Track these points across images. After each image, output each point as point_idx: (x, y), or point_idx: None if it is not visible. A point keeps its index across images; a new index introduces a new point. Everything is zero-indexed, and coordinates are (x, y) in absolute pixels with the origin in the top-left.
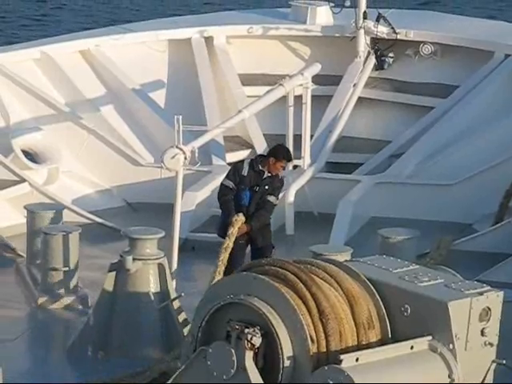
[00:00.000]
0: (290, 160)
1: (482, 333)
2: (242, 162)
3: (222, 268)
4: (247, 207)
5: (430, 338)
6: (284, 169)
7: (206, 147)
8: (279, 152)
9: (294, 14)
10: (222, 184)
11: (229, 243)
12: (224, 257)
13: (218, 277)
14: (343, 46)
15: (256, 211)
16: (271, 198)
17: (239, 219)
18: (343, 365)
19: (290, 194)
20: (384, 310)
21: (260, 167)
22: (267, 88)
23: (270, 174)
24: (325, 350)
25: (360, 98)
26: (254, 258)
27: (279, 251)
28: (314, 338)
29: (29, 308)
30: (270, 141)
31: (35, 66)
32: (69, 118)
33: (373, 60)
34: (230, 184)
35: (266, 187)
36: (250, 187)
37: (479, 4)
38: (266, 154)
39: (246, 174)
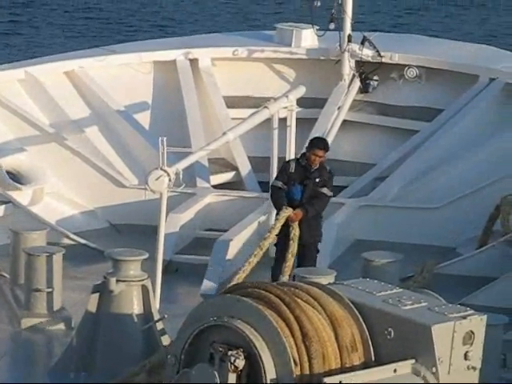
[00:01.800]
0: (321, 148)
1: (466, 356)
2: (288, 161)
3: (259, 254)
4: (300, 201)
5: (413, 361)
6: (320, 157)
7: (190, 169)
8: (310, 143)
9: (279, 37)
10: (271, 186)
11: (270, 234)
12: (263, 245)
13: (253, 262)
14: (328, 69)
15: (309, 200)
16: (324, 190)
17: (285, 213)
18: None
19: (274, 217)
20: (367, 333)
21: (305, 164)
22: (252, 110)
23: (316, 167)
24: (308, 372)
25: (344, 121)
26: (298, 255)
27: (262, 275)
28: (298, 360)
29: (12, 329)
30: (255, 163)
31: (20, 87)
32: (53, 138)
33: (357, 83)
34: (279, 183)
35: (317, 180)
36: (299, 182)
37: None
38: None
39: (293, 171)
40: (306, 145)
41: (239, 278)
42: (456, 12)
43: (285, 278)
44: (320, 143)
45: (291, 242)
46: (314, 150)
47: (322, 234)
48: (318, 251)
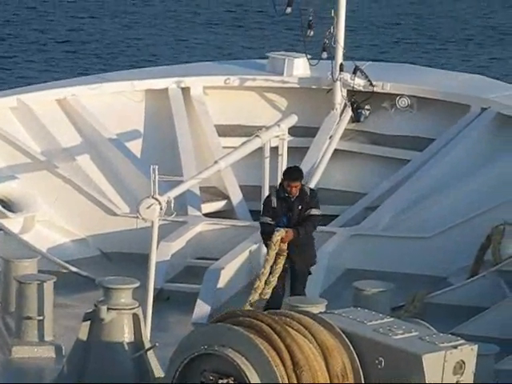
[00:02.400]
0: (296, 179)
1: None
2: (269, 195)
3: (263, 279)
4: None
5: None
6: (297, 187)
7: (181, 198)
8: (287, 174)
9: (271, 66)
10: (261, 222)
11: (267, 257)
12: (265, 269)
13: (260, 286)
14: (320, 98)
15: (300, 223)
16: (312, 211)
17: (279, 233)
18: None
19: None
20: (358, 362)
21: (285, 194)
22: (243, 139)
23: (296, 196)
24: None
25: (336, 150)
26: (291, 280)
27: None
28: None
29: (3, 357)
30: (246, 192)
31: (11, 114)
32: (45, 166)
33: (349, 112)
34: (268, 219)
35: (300, 207)
36: (284, 214)
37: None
38: None
39: (276, 206)
40: (281, 176)
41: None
42: (444, 46)
43: (258, 284)
44: (295, 175)
45: (279, 257)
46: (289, 181)
47: (315, 256)
48: (309, 273)
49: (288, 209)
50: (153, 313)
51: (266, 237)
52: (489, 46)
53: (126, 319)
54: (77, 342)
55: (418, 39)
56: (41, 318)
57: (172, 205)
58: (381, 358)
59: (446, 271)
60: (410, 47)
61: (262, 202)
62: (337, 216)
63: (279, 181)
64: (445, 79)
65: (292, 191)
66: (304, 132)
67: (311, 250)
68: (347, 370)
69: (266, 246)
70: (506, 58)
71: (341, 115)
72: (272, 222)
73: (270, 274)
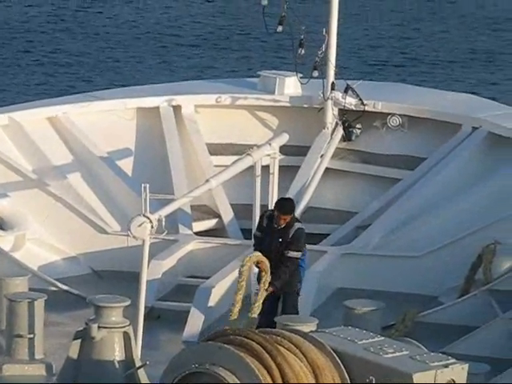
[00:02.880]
0: (285, 213)
1: None
2: (265, 212)
3: (236, 309)
4: (269, 254)
5: None
6: (286, 220)
7: (172, 216)
8: (278, 205)
9: (262, 84)
10: (254, 235)
11: (238, 286)
12: (238, 298)
13: (234, 316)
14: (311, 117)
15: (277, 268)
16: (289, 254)
17: (251, 258)
18: None
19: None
20: (349, 381)
21: (274, 221)
22: (235, 158)
23: (281, 227)
24: None
25: (327, 169)
26: (282, 306)
27: (244, 322)
28: None
29: None
30: (237, 210)
31: (3, 133)
32: (36, 184)
33: (340, 131)
34: (258, 234)
35: (280, 240)
36: (266, 237)
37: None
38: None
39: (265, 226)
40: (274, 204)
41: None
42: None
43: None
44: (285, 207)
45: (261, 288)
46: (280, 213)
47: (301, 280)
48: (298, 294)
49: (269, 235)
50: (143, 331)
51: (254, 250)
52: (476, 68)
53: (117, 337)
54: (67, 361)
55: (406, 61)
56: (31, 336)
57: (163, 223)
58: (371, 377)
59: (436, 290)
60: (399, 69)
61: (260, 216)
62: (328, 235)
63: (270, 199)
64: (436, 98)
65: (280, 222)
66: (295, 151)
67: (296, 274)
68: None
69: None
70: (493, 80)
71: (332, 134)
72: (260, 236)
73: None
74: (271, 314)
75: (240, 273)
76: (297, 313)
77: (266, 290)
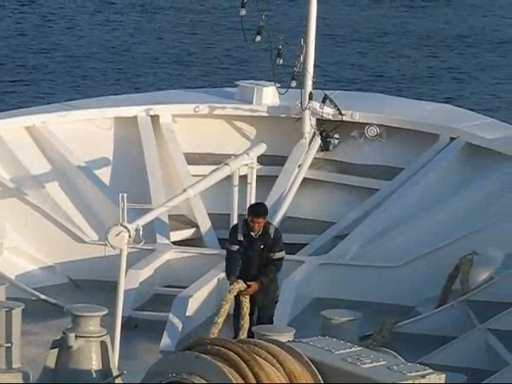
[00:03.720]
0: (259, 215)
1: None
2: (236, 225)
3: (215, 330)
4: (249, 269)
5: None
6: (260, 224)
7: (150, 225)
8: (250, 210)
9: (240, 94)
10: (227, 250)
11: (223, 309)
12: (219, 320)
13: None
14: (289, 127)
15: (263, 269)
16: (276, 255)
17: (236, 286)
18: None
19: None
20: None
21: (249, 231)
22: (212, 167)
23: (259, 234)
24: None
25: (305, 179)
26: (258, 316)
27: (224, 332)
28: None
29: None
30: (215, 220)
31: None
32: (13, 193)
33: (318, 141)
34: (234, 247)
35: (261, 246)
36: (246, 250)
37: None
38: None
39: (241, 239)
40: (247, 210)
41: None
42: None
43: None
44: (258, 210)
45: (242, 320)
46: (254, 218)
47: (278, 288)
48: (277, 301)
49: (249, 246)
50: (121, 340)
51: (228, 268)
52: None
53: (94, 347)
54: (44, 370)
55: (385, 71)
56: (9, 345)
57: (141, 232)
58: None
59: (414, 300)
60: (377, 79)
61: (229, 230)
62: (305, 245)
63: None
64: (414, 108)
65: (255, 227)
66: (273, 160)
67: (273, 286)
68: None
69: (227, 275)
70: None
71: (310, 144)
72: (239, 249)
73: (237, 316)
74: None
75: (225, 300)
76: (272, 323)
77: (249, 291)
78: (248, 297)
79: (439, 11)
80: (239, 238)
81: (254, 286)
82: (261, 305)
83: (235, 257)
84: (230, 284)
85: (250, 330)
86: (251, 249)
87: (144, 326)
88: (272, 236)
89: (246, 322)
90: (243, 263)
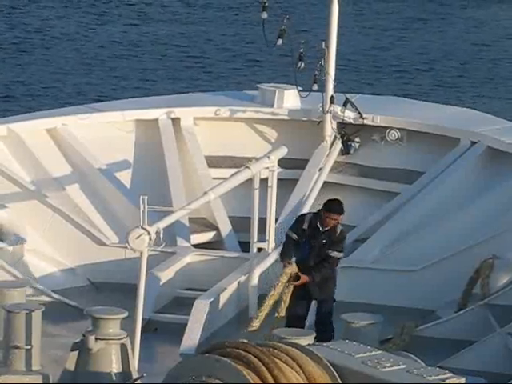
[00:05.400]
0: (338, 213)
1: None
2: (305, 214)
3: (261, 317)
4: (306, 260)
5: None
6: (335, 221)
7: (170, 228)
8: (328, 205)
9: (261, 97)
10: (286, 234)
11: (274, 293)
12: (266, 305)
13: (256, 325)
14: (310, 130)
15: (318, 264)
16: (333, 254)
17: (288, 270)
18: None
19: (254, 277)
20: None
21: (318, 223)
22: (233, 170)
23: (327, 229)
24: None
25: (325, 183)
26: (316, 311)
27: (241, 334)
28: None
29: None
30: (235, 223)
31: (1, 143)
32: (34, 196)
33: (339, 144)
34: (293, 235)
35: (324, 241)
36: (308, 240)
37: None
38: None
39: (306, 228)
40: (321, 206)
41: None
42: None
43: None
44: (338, 208)
45: (279, 309)
46: (330, 214)
47: (335, 286)
48: (334, 301)
49: (314, 237)
50: (141, 343)
51: (283, 251)
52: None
53: (114, 349)
54: (64, 372)
55: (406, 74)
56: (28, 347)
57: (161, 235)
58: None
59: (434, 304)
60: (398, 82)
61: (296, 217)
62: None
63: (269, 212)
64: (434, 112)
65: (328, 223)
66: (294, 164)
67: (330, 282)
68: None
69: (281, 258)
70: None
71: (331, 147)
72: (297, 239)
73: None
74: (302, 318)
75: (274, 286)
76: (330, 320)
77: (294, 280)
78: (292, 288)
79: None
80: (303, 227)
81: (304, 278)
82: (319, 299)
83: (292, 243)
84: (284, 266)
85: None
86: (314, 241)
87: (164, 329)
88: (337, 234)
89: (281, 311)
90: (301, 253)
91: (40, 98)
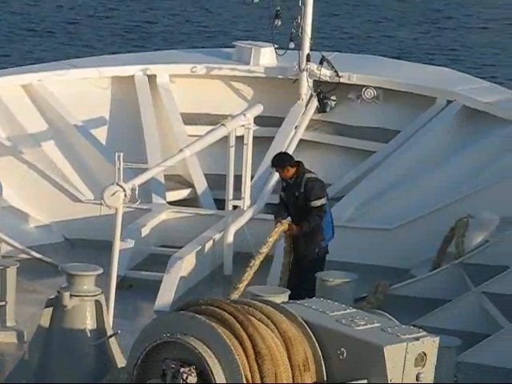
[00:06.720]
0: (273, 166)
1: (417, 378)
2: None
3: (250, 273)
4: (292, 216)
5: (365, 381)
6: (282, 174)
7: (146, 185)
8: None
9: (237, 55)
10: (279, 196)
11: (265, 250)
12: (256, 263)
13: (245, 282)
14: (286, 88)
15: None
16: (312, 203)
17: (278, 229)
18: None
19: (229, 235)
20: (320, 353)
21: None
22: (209, 128)
23: (292, 182)
24: None
25: (301, 141)
26: (297, 265)
27: (216, 291)
28: (250, 378)
29: None
30: (211, 181)
31: None
32: (9, 152)
33: (315, 103)
34: (281, 193)
35: (296, 194)
36: (287, 197)
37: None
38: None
39: (284, 186)
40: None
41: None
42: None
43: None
44: (273, 162)
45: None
46: (273, 168)
47: (323, 239)
48: (321, 255)
49: (286, 194)
50: (115, 300)
51: (275, 211)
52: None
53: (89, 306)
54: (38, 328)
55: (383, 33)
56: (3, 303)
57: (136, 192)
58: (343, 349)
59: (409, 263)
60: (374, 41)
61: None
62: None
63: (244, 170)
64: (411, 71)
65: (283, 177)
66: (270, 122)
67: (317, 234)
68: (309, 361)
69: (274, 217)
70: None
71: (307, 105)
72: (283, 196)
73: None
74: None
75: (265, 243)
76: (312, 277)
77: (288, 230)
78: (289, 241)
79: None
80: (283, 185)
81: (293, 227)
82: (303, 254)
83: (282, 203)
84: (275, 224)
85: (291, 278)
86: (288, 197)
87: (139, 286)
88: (303, 185)
89: (285, 261)
90: (288, 211)
91: (16, 54)
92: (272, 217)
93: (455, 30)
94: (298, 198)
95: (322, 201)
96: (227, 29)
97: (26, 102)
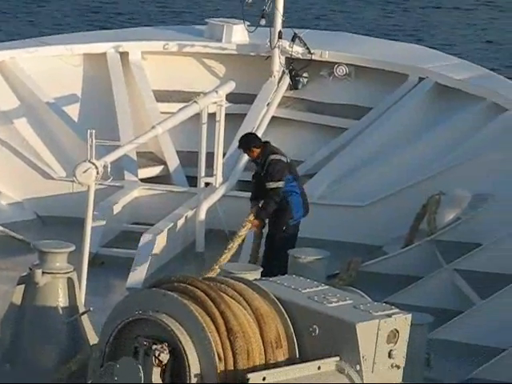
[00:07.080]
0: (240, 147)
1: (390, 355)
2: None
3: (228, 256)
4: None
5: (337, 358)
6: (248, 154)
7: (118, 162)
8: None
9: (209, 32)
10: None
11: (232, 245)
12: (234, 245)
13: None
14: (258, 65)
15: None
16: (268, 185)
17: (248, 224)
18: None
19: (201, 212)
20: (292, 330)
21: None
22: (181, 105)
23: (261, 162)
24: (232, 368)
25: (273, 118)
26: (268, 242)
27: (188, 268)
28: (222, 355)
29: None
30: (183, 158)
31: None
32: None
33: (287, 80)
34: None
35: (262, 174)
36: (256, 177)
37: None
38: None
39: (256, 166)
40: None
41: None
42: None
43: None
44: (240, 142)
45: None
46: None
47: (291, 216)
48: (288, 231)
49: (256, 177)
50: (87, 277)
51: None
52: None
53: (61, 283)
54: (10, 306)
55: (355, 9)
56: None
57: (108, 169)
58: (315, 326)
59: (381, 240)
60: (351, 15)
61: None
62: None
63: (216, 147)
64: (383, 48)
65: (251, 157)
66: (242, 99)
67: (283, 214)
68: (281, 338)
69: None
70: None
71: (279, 82)
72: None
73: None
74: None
75: (235, 237)
76: (280, 255)
77: (251, 221)
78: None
79: None
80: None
81: (255, 222)
82: (269, 233)
83: (254, 183)
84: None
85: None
86: (256, 176)
87: (111, 263)
88: (266, 166)
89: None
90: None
91: None
92: (244, 194)
93: (423, 8)
94: (264, 178)
95: (278, 184)
96: (199, 6)
97: None
